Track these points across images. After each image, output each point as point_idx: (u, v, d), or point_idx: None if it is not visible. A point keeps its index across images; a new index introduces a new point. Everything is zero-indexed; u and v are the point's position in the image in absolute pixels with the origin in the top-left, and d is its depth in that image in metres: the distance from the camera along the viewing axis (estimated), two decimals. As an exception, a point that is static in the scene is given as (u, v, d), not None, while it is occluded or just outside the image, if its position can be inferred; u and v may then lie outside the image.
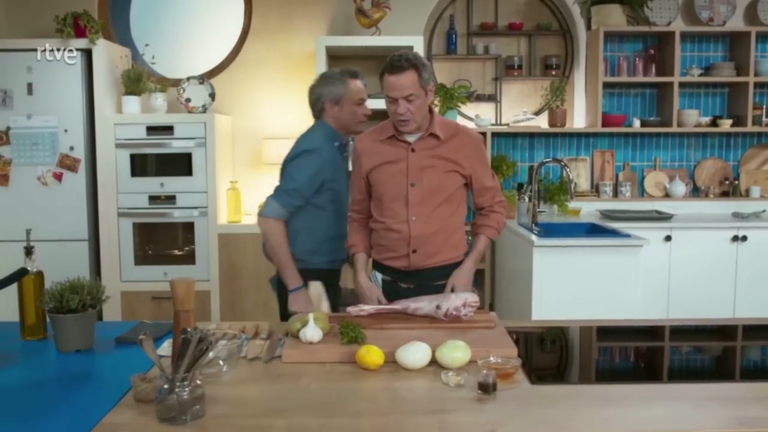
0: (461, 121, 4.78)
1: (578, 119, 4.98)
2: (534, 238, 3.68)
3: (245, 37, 4.77)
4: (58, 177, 4.22)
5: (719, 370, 2.06)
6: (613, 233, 3.90)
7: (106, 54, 4.28)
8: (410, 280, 2.44)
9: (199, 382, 1.47)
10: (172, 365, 1.47)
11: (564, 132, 4.88)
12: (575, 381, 1.88)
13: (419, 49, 4.28)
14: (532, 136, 4.92)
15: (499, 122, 4.92)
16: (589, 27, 4.85)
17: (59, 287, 1.93)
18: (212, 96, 4.49)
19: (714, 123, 4.80)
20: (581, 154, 4.97)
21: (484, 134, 4.58)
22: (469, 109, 4.89)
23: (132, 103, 4.34)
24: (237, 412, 1.50)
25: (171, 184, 4.30)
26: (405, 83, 2.26)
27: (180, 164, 4.29)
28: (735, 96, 4.86)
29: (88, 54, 4.21)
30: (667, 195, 4.90)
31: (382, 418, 1.48)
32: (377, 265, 2.53)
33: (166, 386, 1.43)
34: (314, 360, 1.82)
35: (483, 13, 4.93)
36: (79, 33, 4.18)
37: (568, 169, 3.89)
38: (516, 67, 4.89)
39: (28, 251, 2.03)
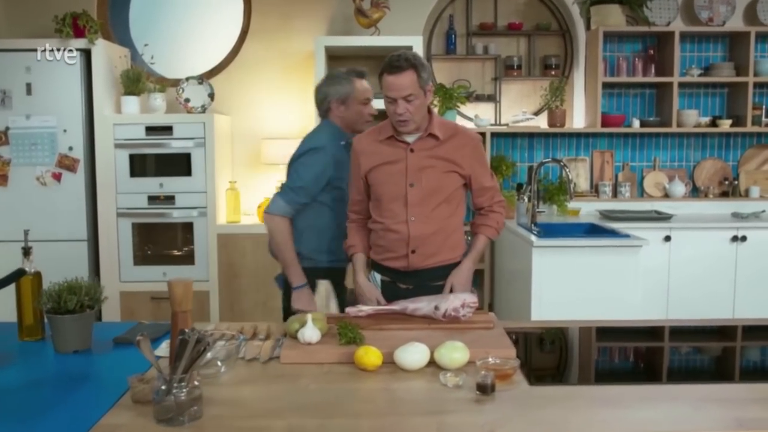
0: (460, 121, 4.78)
1: (578, 119, 4.98)
2: (533, 238, 3.67)
3: (244, 37, 4.77)
4: (57, 177, 4.22)
5: (719, 370, 2.06)
6: (613, 233, 3.90)
7: (105, 54, 4.28)
8: (409, 281, 2.44)
9: (196, 383, 1.46)
10: (169, 366, 1.47)
11: (563, 132, 4.88)
12: (574, 382, 1.87)
13: (418, 49, 4.28)
14: (532, 136, 4.92)
15: (498, 122, 4.92)
16: (588, 27, 4.85)
17: (57, 288, 1.93)
18: (211, 96, 4.48)
19: (713, 123, 4.80)
20: (581, 155, 4.97)
21: (483, 134, 4.57)
22: (469, 109, 4.88)
23: (131, 103, 4.33)
24: (235, 413, 1.50)
25: (170, 184, 4.30)
26: (404, 83, 2.26)
27: (179, 164, 4.29)
28: (734, 96, 4.85)
29: (87, 54, 4.21)
30: (667, 195, 4.90)
31: (381, 419, 1.47)
32: (376, 266, 2.53)
33: (163, 387, 1.43)
34: (312, 361, 1.82)
35: (482, 13, 4.93)
36: (78, 33, 4.18)
37: (567, 170, 3.89)
38: (515, 67, 4.89)
39: (26, 252, 2.03)
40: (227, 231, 4.35)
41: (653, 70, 4.84)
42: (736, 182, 4.93)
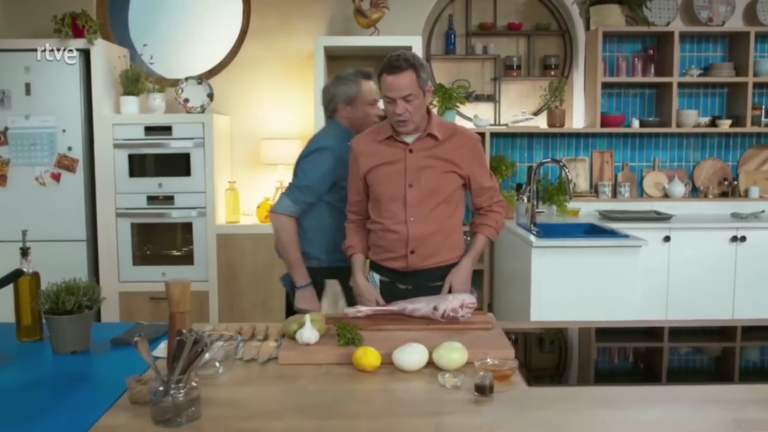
0: (460, 121, 4.77)
1: (577, 119, 4.98)
2: (533, 238, 3.67)
3: (244, 37, 4.76)
4: (56, 177, 4.22)
5: (718, 371, 2.05)
6: (612, 234, 3.90)
7: (105, 54, 4.28)
8: (408, 281, 2.44)
9: (194, 384, 1.46)
10: (167, 367, 1.47)
11: (563, 132, 4.87)
12: (573, 383, 1.87)
13: (418, 49, 4.27)
14: (531, 136, 4.92)
15: (497, 122, 4.92)
16: (588, 27, 4.84)
17: (55, 288, 1.93)
18: (210, 96, 4.48)
19: (713, 123, 4.80)
20: (580, 155, 4.97)
21: (482, 134, 4.58)
22: (468, 109, 4.88)
23: (130, 103, 4.33)
24: (233, 414, 1.50)
25: (169, 184, 4.29)
26: (403, 83, 2.26)
27: (178, 164, 4.28)
28: (734, 96, 4.85)
29: (86, 54, 4.20)
30: (666, 195, 4.89)
31: (379, 420, 1.47)
32: (375, 266, 2.53)
33: (161, 388, 1.43)
34: (311, 361, 1.81)
35: (482, 13, 4.93)
36: (77, 33, 4.18)
37: (566, 170, 3.88)
38: (515, 67, 4.89)
39: (24, 252, 2.02)
40: (226, 231, 4.34)
41: (653, 70, 4.83)
42: (735, 182, 4.93)
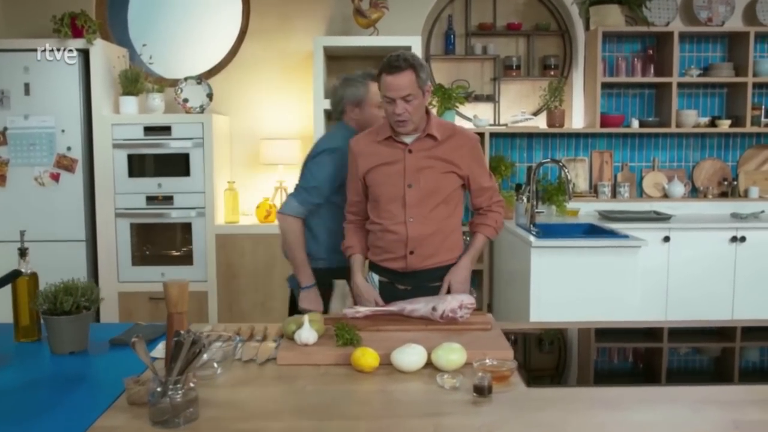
0: (459, 121, 4.77)
1: (577, 120, 4.98)
2: (532, 238, 3.67)
3: (243, 37, 4.76)
4: (56, 177, 4.21)
5: (717, 372, 2.05)
6: (612, 234, 3.89)
7: (104, 54, 4.28)
8: (407, 282, 2.44)
9: (192, 385, 1.46)
10: (165, 368, 1.46)
11: (562, 132, 4.87)
12: (572, 383, 1.86)
13: (417, 49, 4.27)
14: (531, 136, 4.92)
15: (497, 122, 4.91)
16: (587, 27, 4.84)
17: (53, 289, 1.92)
18: (210, 96, 4.48)
19: (713, 123, 4.80)
20: (580, 155, 4.96)
21: (482, 134, 4.57)
22: (468, 109, 4.88)
23: (129, 103, 4.33)
24: (231, 415, 1.49)
25: (168, 184, 4.29)
26: (403, 83, 2.25)
27: (177, 165, 4.28)
28: (734, 96, 4.85)
29: (85, 54, 4.20)
30: (666, 195, 4.89)
31: (377, 421, 1.47)
32: (374, 267, 2.52)
33: (159, 389, 1.42)
34: (309, 362, 1.81)
35: (481, 13, 4.93)
36: (77, 33, 4.17)
37: (566, 170, 3.88)
38: (514, 67, 4.89)
39: (22, 253, 2.02)
40: (226, 231, 4.34)
41: (652, 71, 4.83)
42: (735, 183, 4.92)
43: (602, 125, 4.71)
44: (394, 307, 2.17)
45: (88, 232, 4.28)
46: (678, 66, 4.67)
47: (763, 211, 4.74)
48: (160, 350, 1.84)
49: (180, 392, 1.43)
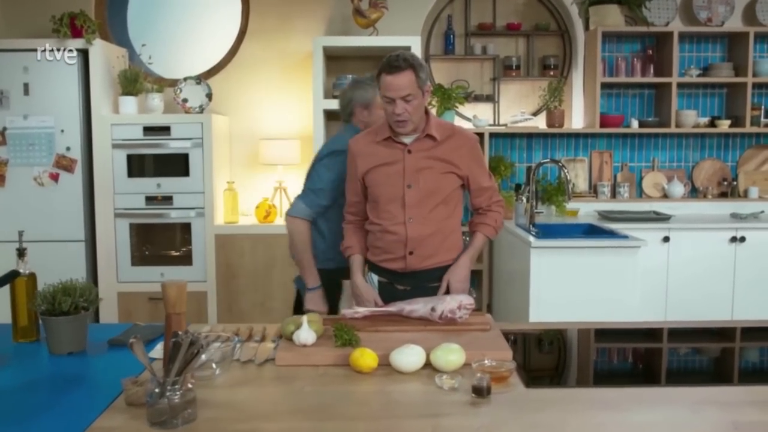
0: (459, 121, 4.77)
1: (576, 120, 4.97)
2: (532, 239, 3.66)
3: (242, 37, 4.76)
4: (55, 177, 4.21)
5: (717, 372, 2.05)
6: (611, 234, 3.89)
7: (103, 54, 4.27)
8: (407, 282, 2.44)
9: (190, 385, 1.46)
10: (163, 368, 1.46)
11: (562, 132, 4.87)
12: (571, 384, 1.86)
13: (417, 49, 4.27)
14: (530, 136, 4.91)
15: (497, 123, 4.91)
16: (587, 27, 4.84)
17: (52, 289, 1.92)
18: (209, 96, 4.47)
19: (712, 123, 4.80)
20: (579, 155, 4.96)
21: (481, 135, 4.57)
22: (467, 109, 4.87)
23: (129, 103, 4.33)
24: (229, 416, 1.49)
25: (168, 184, 4.29)
26: (402, 83, 2.25)
27: (177, 165, 4.28)
28: (733, 96, 4.85)
29: (84, 54, 4.20)
30: (666, 196, 4.89)
31: (376, 422, 1.47)
32: (374, 267, 2.52)
33: (157, 390, 1.42)
34: (308, 363, 1.81)
35: (481, 13, 4.92)
36: (76, 33, 4.17)
37: (566, 170, 3.88)
38: (514, 67, 4.88)
39: (21, 253, 2.02)
40: (225, 231, 4.34)
41: (652, 71, 4.83)
42: (735, 183, 4.92)
43: (602, 125, 4.71)
44: (393, 308, 2.17)
45: (88, 233, 4.28)
46: (678, 66, 4.67)
47: (762, 212, 4.73)
48: (158, 351, 1.84)
49: (178, 393, 1.42)
